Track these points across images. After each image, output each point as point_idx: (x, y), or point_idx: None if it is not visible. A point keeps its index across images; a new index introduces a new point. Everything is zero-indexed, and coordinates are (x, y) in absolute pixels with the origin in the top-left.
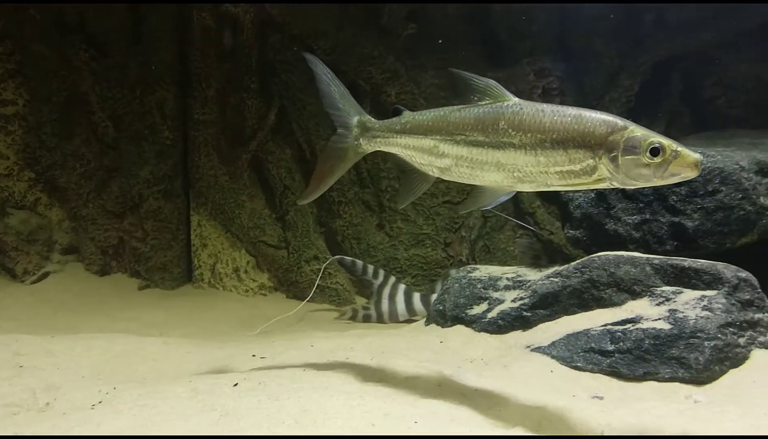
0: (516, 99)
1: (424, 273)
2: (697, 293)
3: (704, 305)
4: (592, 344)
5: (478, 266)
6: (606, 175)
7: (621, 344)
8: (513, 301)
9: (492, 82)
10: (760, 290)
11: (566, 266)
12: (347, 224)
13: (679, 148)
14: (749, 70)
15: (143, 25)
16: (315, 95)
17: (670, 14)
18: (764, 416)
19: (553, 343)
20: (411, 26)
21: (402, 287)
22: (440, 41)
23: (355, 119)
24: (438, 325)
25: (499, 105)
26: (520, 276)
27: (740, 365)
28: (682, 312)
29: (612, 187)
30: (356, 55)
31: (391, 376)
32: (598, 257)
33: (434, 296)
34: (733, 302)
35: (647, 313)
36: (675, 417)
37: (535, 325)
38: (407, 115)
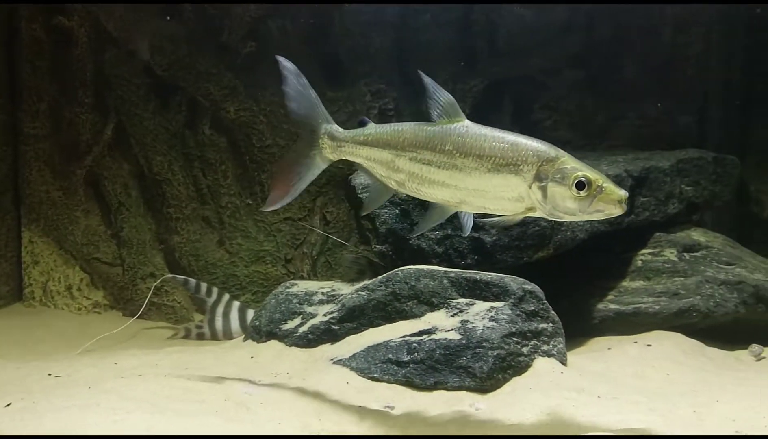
0: (466, 121)
1: (264, 290)
2: (487, 305)
3: (491, 316)
4: (390, 355)
5: (297, 282)
6: (536, 205)
7: (416, 354)
8: (324, 315)
9: (449, 97)
10: (545, 302)
11: (373, 280)
12: (185, 240)
13: (606, 184)
14: (571, 95)
15: None
16: (152, 110)
17: (501, 40)
18: (526, 420)
19: (354, 355)
20: (250, 44)
21: (236, 304)
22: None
23: (322, 127)
24: (254, 341)
25: (448, 126)
26: (334, 291)
27: (523, 372)
28: (472, 323)
29: (543, 217)
30: (194, 72)
31: (179, 391)
32: (401, 270)
33: None
34: (518, 312)
35: (442, 324)
36: (450, 425)
37: (343, 338)
38: (371, 128)
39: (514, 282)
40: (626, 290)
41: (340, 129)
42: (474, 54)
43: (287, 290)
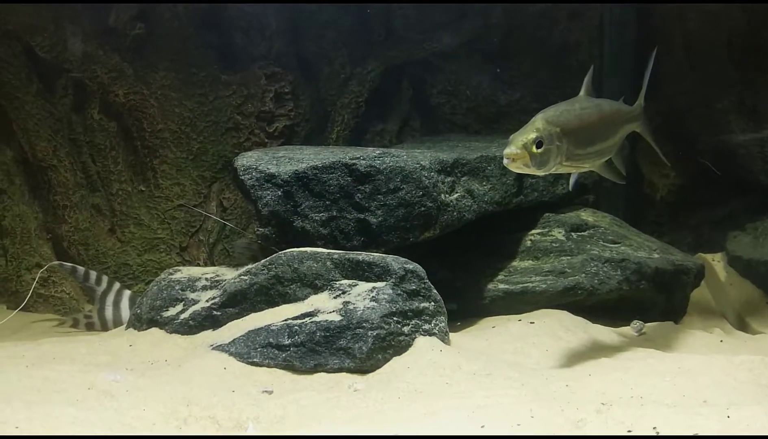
0: None
1: None
2: (369, 285)
3: (372, 297)
4: (271, 339)
5: (180, 268)
6: None
7: (296, 337)
8: (206, 301)
9: None
10: (426, 281)
11: (257, 264)
12: (73, 229)
13: None
14: (469, 80)
15: None
16: (34, 94)
17: (397, 24)
18: (396, 399)
19: (234, 340)
20: (139, 26)
21: (127, 293)
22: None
23: None
24: (135, 329)
25: None
26: (218, 276)
27: (403, 352)
28: (353, 304)
29: None
30: (79, 54)
31: (38, 381)
32: (284, 253)
33: None
34: (399, 292)
35: (325, 306)
36: (323, 406)
37: (224, 323)
38: None
39: (395, 262)
40: (516, 269)
41: None
42: (372, 37)
43: (170, 276)
